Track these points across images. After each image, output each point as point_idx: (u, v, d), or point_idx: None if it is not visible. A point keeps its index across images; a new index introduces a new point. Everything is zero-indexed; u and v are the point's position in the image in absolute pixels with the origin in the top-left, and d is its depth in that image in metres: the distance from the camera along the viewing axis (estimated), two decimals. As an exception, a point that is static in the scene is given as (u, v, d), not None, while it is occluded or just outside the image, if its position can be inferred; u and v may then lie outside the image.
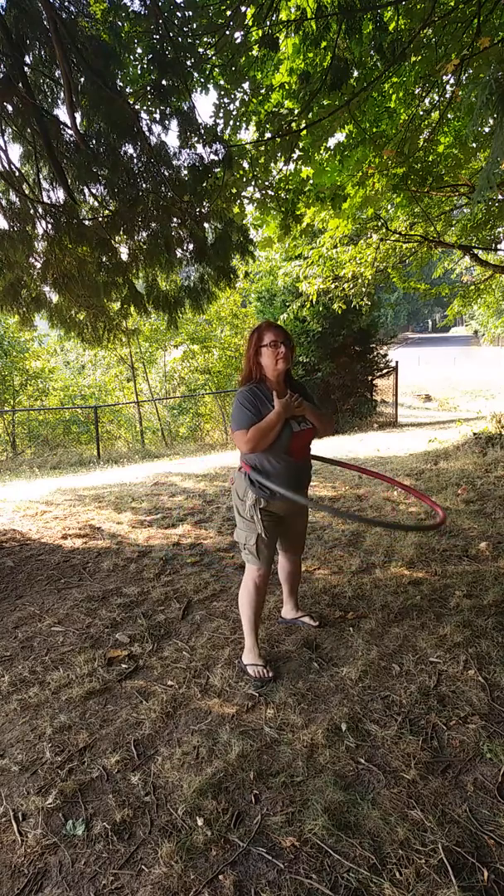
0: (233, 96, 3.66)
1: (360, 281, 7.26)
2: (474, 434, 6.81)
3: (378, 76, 3.34)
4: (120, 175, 3.57)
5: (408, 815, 1.58)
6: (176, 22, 3.41)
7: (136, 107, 3.52)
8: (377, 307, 13.40)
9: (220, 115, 3.68)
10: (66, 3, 3.36)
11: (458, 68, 3.01)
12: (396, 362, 13.49)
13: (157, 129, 3.59)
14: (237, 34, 3.37)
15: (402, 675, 2.24)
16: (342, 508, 4.53)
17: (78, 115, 3.39)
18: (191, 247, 4.00)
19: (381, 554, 3.50)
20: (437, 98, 4.06)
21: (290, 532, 2.46)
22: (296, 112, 3.64)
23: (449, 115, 4.30)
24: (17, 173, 3.74)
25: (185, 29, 3.41)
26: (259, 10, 3.15)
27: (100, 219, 3.77)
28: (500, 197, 5.72)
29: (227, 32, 3.33)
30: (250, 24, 3.24)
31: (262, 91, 3.76)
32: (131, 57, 3.54)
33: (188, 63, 3.44)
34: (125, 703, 2.19)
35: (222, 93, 3.63)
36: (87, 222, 3.73)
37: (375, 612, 2.76)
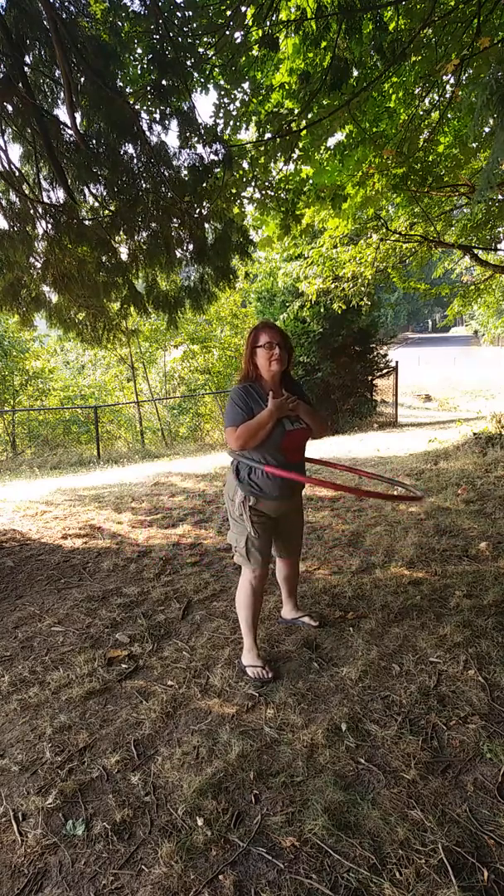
0: (233, 96, 3.66)
1: (360, 281, 7.26)
2: (474, 434, 6.81)
3: (378, 76, 3.34)
4: (120, 175, 3.57)
5: (408, 815, 1.58)
6: (176, 22, 3.41)
7: (136, 107, 3.51)
8: (377, 307, 13.40)
9: (220, 115, 3.68)
10: (66, 3, 3.36)
11: (458, 68, 3.02)
12: (396, 362, 13.49)
13: (157, 129, 3.59)
14: (237, 34, 3.37)
15: (402, 675, 2.24)
16: (343, 502, 4.53)
17: (78, 115, 3.39)
18: (191, 247, 4.00)
19: (381, 554, 3.50)
20: (437, 98, 4.06)
21: (284, 534, 2.42)
22: (296, 112, 3.65)
23: (449, 115, 4.30)
24: (17, 173, 3.74)
25: (185, 29, 3.41)
26: (259, 10, 3.15)
27: (100, 219, 3.77)
28: (500, 197, 5.72)
29: (227, 32, 3.33)
30: (250, 24, 3.24)
31: (262, 91, 3.76)
32: (131, 57, 3.54)
33: (188, 63, 3.44)
34: (125, 703, 2.19)
35: (222, 93, 3.63)
36: (87, 222, 3.73)
37: (375, 612, 2.76)
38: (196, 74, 3.55)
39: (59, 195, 3.77)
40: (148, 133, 3.56)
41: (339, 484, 2.54)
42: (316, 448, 8.21)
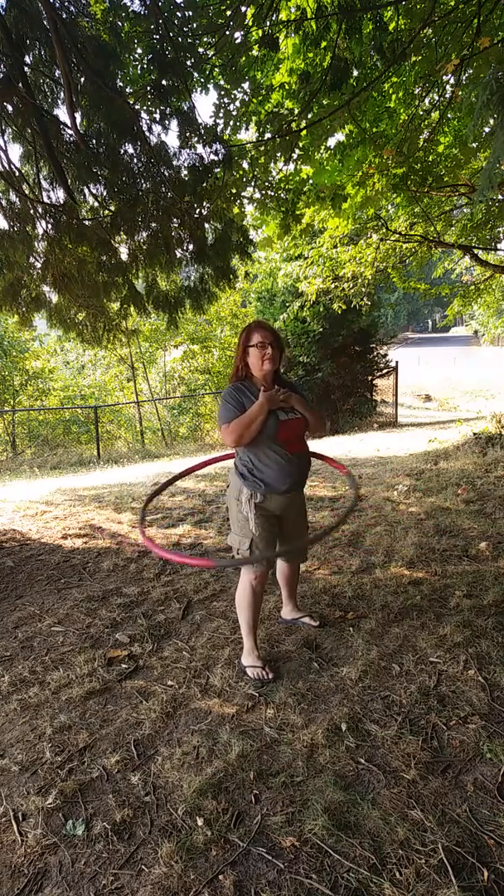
0: (233, 96, 3.66)
1: (360, 281, 7.26)
2: (474, 434, 6.81)
3: (378, 76, 3.34)
4: (120, 175, 3.57)
5: (408, 815, 1.58)
6: (176, 22, 3.42)
7: (136, 107, 3.52)
8: (377, 307, 13.40)
9: (220, 115, 3.68)
10: (66, 3, 3.36)
11: (458, 68, 3.01)
12: (396, 362, 13.49)
13: (157, 129, 3.60)
14: (237, 34, 3.37)
15: (402, 675, 2.24)
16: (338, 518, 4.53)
17: (78, 115, 3.39)
18: (191, 247, 4.00)
19: (381, 554, 3.50)
20: (437, 98, 4.06)
21: (287, 535, 2.41)
22: (296, 112, 3.65)
23: (449, 115, 4.30)
24: (17, 173, 3.74)
25: (185, 29, 3.41)
26: (259, 10, 3.15)
27: (100, 219, 3.77)
28: (500, 197, 5.72)
29: (227, 32, 3.33)
30: (250, 24, 3.25)
31: (262, 91, 3.76)
32: (131, 57, 3.54)
33: (188, 63, 3.44)
34: (125, 703, 2.19)
35: (222, 93, 3.63)
36: (87, 222, 3.73)
37: (375, 612, 2.76)
38: (196, 74, 3.55)
39: (59, 195, 3.77)
40: (148, 133, 3.56)
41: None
42: (315, 448, 8.20)
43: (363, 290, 7.43)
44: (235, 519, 2.30)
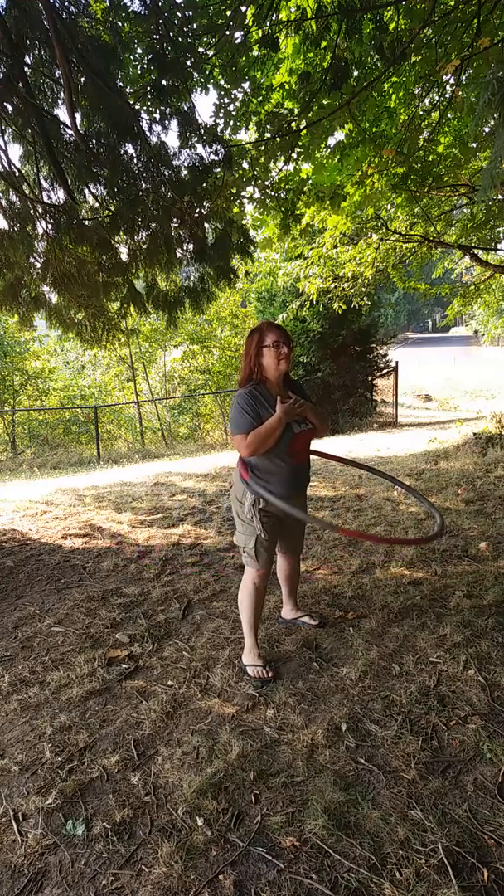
0: (233, 96, 3.66)
1: (360, 281, 7.26)
2: (474, 434, 6.81)
3: (378, 76, 3.34)
4: (120, 175, 3.57)
5: (408, 815, 1.58)
6: (176, 22, 3.41)
7: (136, 107, 3.52)
8: (377, 307, 13.42)
9: (220, 115, 3.68)
10: (66, 3, 3.36)
11: (458, 68, 3.02)
12: (396, 362, 13.49)
13: (157, 129, 3.60)
14: (237, 34, 3.37)
15: (402, 675, 2.24)
16: (339, 522, 4.53)
17: (78, 115, 3.39)
18: (191, 247, 4.00)
19: (381, 554, 3.50)
20: (437, 98, 4.06)
21: (288, 533, 2.45)
22: (296, 112, 3.65)
23: (449, 115, 4.30)
24: (17, 173, 3.74)
25: (185, 29, 3.41)
26: (259, 10, 3.15)
27: (100, 219, 3.77)
28: (500, 197, 5.72)
29: (227, 32, 3.33)
30: (250, 24, 3.24)
31: (262, 91, 3.76)
32: (131, 57, 3.54)
33: (188, 63, 3.44)
34: (125, 703, 2.19)
35: (222, 93, 3.63)
36: (87, 222, 3.73)
37: (375, 612, 2.76)
38: (196, 74, 3.55)
39: (59, 195, 3.77)
40: (148, 133, 3.56)
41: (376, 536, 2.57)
42: (317, 447, 8.19)
43: (363, 290, 7.44)
44: (239, 519, 2.31)
